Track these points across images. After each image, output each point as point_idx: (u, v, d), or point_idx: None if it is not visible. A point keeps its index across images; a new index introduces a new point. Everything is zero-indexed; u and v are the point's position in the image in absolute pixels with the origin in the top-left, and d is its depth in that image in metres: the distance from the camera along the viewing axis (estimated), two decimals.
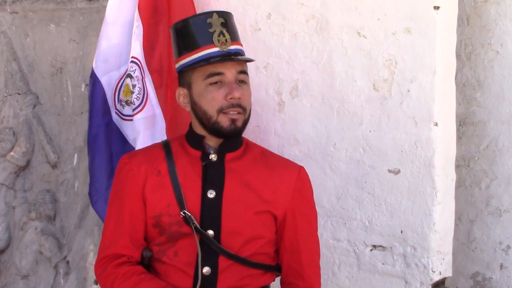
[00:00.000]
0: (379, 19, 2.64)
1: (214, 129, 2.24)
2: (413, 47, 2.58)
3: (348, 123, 2.73)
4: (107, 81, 3.00)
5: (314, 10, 2.77)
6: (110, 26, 2.98)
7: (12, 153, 3.85)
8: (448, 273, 2.69)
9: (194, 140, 2.31)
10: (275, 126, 2.89)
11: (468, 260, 2.95)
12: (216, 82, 2.22)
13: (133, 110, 2.88)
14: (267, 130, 2.90)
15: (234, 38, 2.28)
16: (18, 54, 3.84)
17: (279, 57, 2.85)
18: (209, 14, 2.27)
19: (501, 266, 2.88)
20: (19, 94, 3.85)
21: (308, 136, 2.81)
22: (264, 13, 2.88)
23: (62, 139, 3.75)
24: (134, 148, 2.89)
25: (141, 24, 2.87)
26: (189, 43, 2.26)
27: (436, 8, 2.54)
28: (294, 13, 2.81)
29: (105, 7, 3.50)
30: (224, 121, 2.22)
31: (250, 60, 2.30)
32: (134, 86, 2.87)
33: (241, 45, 2.32)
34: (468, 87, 2.93)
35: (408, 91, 2.60)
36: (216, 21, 2.25)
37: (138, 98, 2.87)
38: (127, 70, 2.92)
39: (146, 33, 2.87)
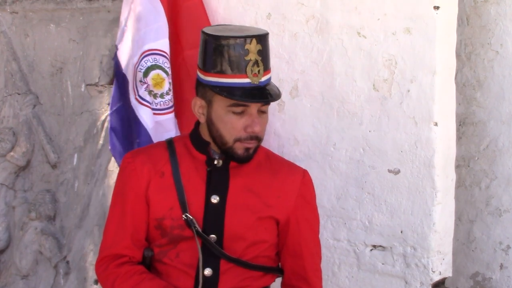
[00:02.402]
0: (379, 19, 2.64)
1: (226, 153, 2.23)
2: (413, 47, 2.58)
3: (348, 123, 2.73)
4: (129, 74, 3.00)
5: (314, 10, 2.77)
6: (132, 22, 2.99)
7: (12, 153, 3.85)
8: (448, 273, 2.69)
9: (199, 144, 2.30)
10: (275, 126, 2.88)
11: (468, 260, 2.94)
12: (239, 112, 2.19)
13: (166, 108, 2.90)
14: (267, 130, 2.86)
15: (267, 67, 2.22)
16: (18, 54, 3.84)
17: (279, 57, 2.85)
18: (249, 39, 2.17)
19: (501, 266, 2.88)
20: (19, 94, 3.85)
21: (308, 136, 2.81)
22: (264, 13, 2.88)
23: (62, 139, 3.75)
24: (149, 135, 2.88)
25: (167, 23, 2.90)
26: (221, 64, 2.17)
27: (436, 8, 2.54)
28: (294, 13, 2.81)
29: (105, 6, 3.52)
30: (239, 148, 2.21)
31: (278, 98, 2.23)
32: (170, 83, 2.90)
33: (270, 71, 2.26)
34: (468, 87, 2.93)
35: (408, 91, 2.60)
36: (254, 47, 2.17)
37: (171, 98, 2.91)
38: (140, 56, 2.92)
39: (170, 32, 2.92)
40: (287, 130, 2.86)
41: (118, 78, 3.07)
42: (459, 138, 2.85)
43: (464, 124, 2.94)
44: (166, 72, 2.90)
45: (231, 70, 2.16)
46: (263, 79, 2.20)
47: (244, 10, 2.90)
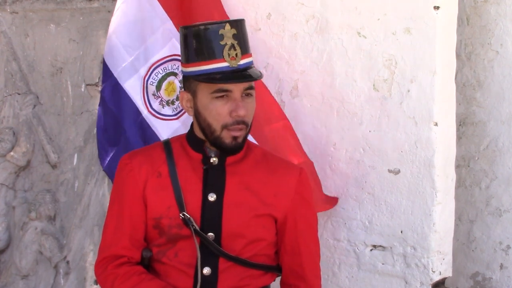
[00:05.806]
0: (379, 19, 2.64)
1: (215, 143, 2.23)
2: (413, 47, 2.58)
3: (348, 123, 2.73)
4: (133, 84, 2.95)
5: (314, 10, 2.77)
6: (124, 26, 2.95)
7: (12, 153, 3.85)
8: (448, 273, 2.69)
9: (195, 143, 2.30)
10: None
11: (468, 260, 2.94)
12: (222, 96, 2.20)
13: (179, 112, 2.87)
14: None
15: (245, 51, 2.23)
16: (18, 54, 3.84)
17: (279, 57, 2.85)
18: (222, 24, 2.21)
19: (501, 266, 2.88)
20: (19, 94, 3.85)
21: (308, 136, 2.81)
22: (264, 13, 2.88)
23: (62, 139, 3.75)
24: None
25: (172, 23, 2.87)
26: (198, 52, 2.21)
27: (436, 8, 2.54)
28: (294, 13, 2.81)
29: (105, 6, 3.52)
30: (226, 137, 2.20)
31: (258, 78, 2.25)
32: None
33: (251, 55, 2.28)
34: (468, 87, 2.92)
35: (408, 91, 2.61)
36: (228, 32, 2.19)
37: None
38: (150, 69, 2.91)
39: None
40: None
41: (109, 81, 3.01)
42: (459, 138, 2.85)
43: (464, 124, 2.94)
44: (176, 74, 2.88)
45: (208, 56, 2.19)
46: (242, 62, 2.21)
47: (244, 10, 2.90)
